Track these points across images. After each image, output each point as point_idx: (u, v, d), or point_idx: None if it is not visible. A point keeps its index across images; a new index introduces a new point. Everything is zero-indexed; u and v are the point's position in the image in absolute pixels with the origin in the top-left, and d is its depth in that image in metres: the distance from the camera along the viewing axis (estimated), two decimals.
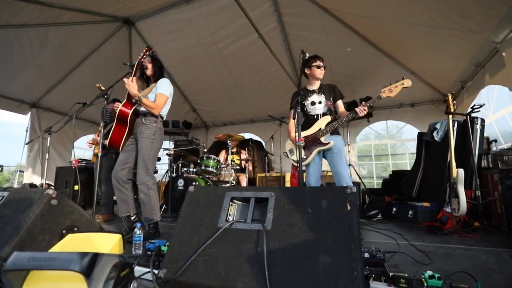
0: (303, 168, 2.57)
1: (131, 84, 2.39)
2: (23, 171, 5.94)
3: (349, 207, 1.18)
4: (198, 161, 4.39)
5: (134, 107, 2.50)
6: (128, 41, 5.21)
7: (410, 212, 3.41)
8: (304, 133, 2.55)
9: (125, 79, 2.39)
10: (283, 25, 4.59)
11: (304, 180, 2.61)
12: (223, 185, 4.42)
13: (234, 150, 5.01)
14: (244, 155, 5.12)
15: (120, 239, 1.18)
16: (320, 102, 2.60)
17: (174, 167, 4.44)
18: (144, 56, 2.57)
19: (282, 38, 4.80)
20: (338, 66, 4.79)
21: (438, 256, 1.93)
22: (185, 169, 4.48)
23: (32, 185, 5.09)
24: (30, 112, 5.62)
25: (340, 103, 2.64)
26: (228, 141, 4.27)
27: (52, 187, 5.02)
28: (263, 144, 6.38)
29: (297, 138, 2.00)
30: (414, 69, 4.65)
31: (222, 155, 5.11)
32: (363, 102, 2.36)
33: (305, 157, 2.53)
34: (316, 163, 2.54)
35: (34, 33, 4.24)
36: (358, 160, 6.08)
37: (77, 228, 1.70)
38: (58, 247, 1.11)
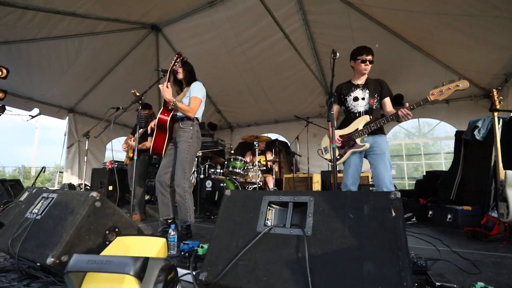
0: (340, 168, 2.49)
1: (166, 90, 2.47)
2: (62, 172, 6.32)
3: (394, 213, 1.14)
4: (225, 162, 4.44)
5: (171, 113, 2.59)
6: (156, 47, 5.40)
7: (449, 216, 3.23)
8: (341, 132, 2.46)
9: (160, 86, 2.47)
10: (308, 24, 4.53)
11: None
12: (251, 187, 4.44)
13: (260, 151, 5.01)
14: (270, 156, 5.12)
15: (165, 243, 1.22)
16: (363, 99, 2.46)
17: (202, 168, 4.52)
18: (176, 63, 2.63)
19: (307, 37, 4.74)
20: (377, 68, 4.63)
21: (486, 265, 1.80)
22: (212, 170, 4.56)
23: (70, 185, 5.42)
24: (67, 117, 5.99)
25: (387, 101, 2.45)
26: (254, 142, 4.28)
27: (89, 187, 5.32)
28: (289, 144, 6.34)
29: (331, 139, 1.94)
30: (449, 62, 4.39)
31: (248, 156, 5.14)
32: (407, 104, 2.18)
33: (338, 156, 2.44)
34: (355, 163, 2.42)
35: (70, 43, 4.52)
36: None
37: (118, 229, 1.78)
38: (110, 250, 1.17)
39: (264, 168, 4.86)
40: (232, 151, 5.20)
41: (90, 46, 4.70)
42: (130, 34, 4.85)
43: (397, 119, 2.25)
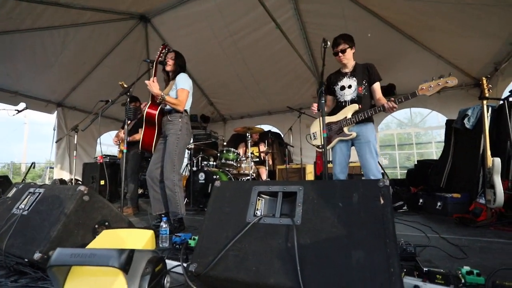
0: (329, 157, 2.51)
1: (153, 85, 2.42)
2: (53, 167, 6.24)
3: (382, 201, 1.14)
4: (218, 154, 4.43)
5: (159, 107, 2.55)
6: (145, 38, 5.28)
7: (439, 204, 3.28)
8: (329, 119, 2.47)
9: (146, 81, 2.42)
10: (300, 13, 4.47)
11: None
12: (244, 178, 4.44)
13: (253, 142, 5.00)
14: (263, 147, 5.11)
15: (153, 235, 1.21)
16: (350, 87, 2.45)
17: (194, 161, 4.50)
18: (161, 54, 2.58)
19: (299, 27, 4.68)
20: (359, 53, 4.59)
21: (473, 251, 1.84)
22: (205, 162, 4.55)
23: (61, 181, 5.35)
24: (56, 111, 5.87)
25: (376, 87, 2.43)
26: (247, 134, 4.26)
27: (80, 182, 5.26)
28: (282, 135, 6.33)
29: (321, 129, 1.94)
30: (441, 51, 4.40)
31: (241, 148, 5.13)
32: (392, 99, 2.20)
33: (322, 143, 2.46)
34: (343, 151, 2.45)
35: (56, 34, 4.39)
36: (379, 150, 5.91)
37: (108, 223, 1.76)
38: (95, 243, 1.15)
39: (257, 159, 4.86)
40: (225, 143, 5.19)
41: (76, 38, 4.57)
42: (118, 25, 4.73)
43: (384, 110, 2.27)
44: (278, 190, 1.37)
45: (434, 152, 6.48)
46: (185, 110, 2.67)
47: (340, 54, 2.45)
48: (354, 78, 2.46)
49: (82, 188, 1.64)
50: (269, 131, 6.48)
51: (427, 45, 4.35)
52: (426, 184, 4.14)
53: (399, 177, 6.13)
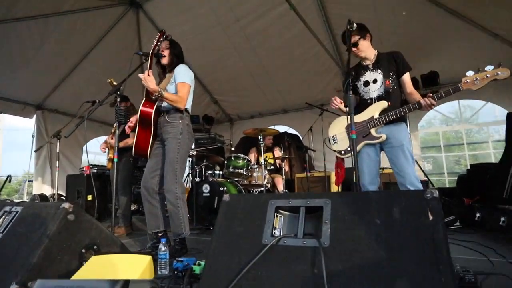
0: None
1: (148, 79, 2.44)
2: (31, 181, 6.39)
3: (431, 217, 1.10)
4: (225, 161, 4.44)
5: (156, 105, 2.57)
6: (136, 27, 5.39)
7: (502, 219, 3.17)
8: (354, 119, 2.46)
9: (140, 75, 2.44)
10: None
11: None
12: (256, 190, 4.42)
13: (267, 147, 4.99)
14: (278, 152, 5.10)
15: (150, 261, 1.21)
16: (375, 81, 2.44)
17: (197, 170, 4.52)
18: (159, 43, 2.60)
19: (317, 7, 4.67)
20: (390, 35, 4.55)
21: None
22: (210, 172, 4.56)
23: (42, 196, 5.48)
24: (35, 115, 6.02)
25: (406, 79, 2.42)
26: (259, 137, 4.26)
27: (63, 198, 5.37)
28: (300, 138, 6.30)
29: (350, 129, 1.91)
30: (498, 29, 4.24)
31: (252, 154, 5.14)
32: (430, 94, 2.17)
33: (349, 148, 2.44)
34: (371, 157, 2.43)
35: (33, 25, 4.51)
36: (421, 153, 5.78)
37: (97, 247, 1.77)
38: (83, 272, 1.16)
39: (272, 167, 4.84)
40: (233, 148, 5.21)
41: (58, 29, 4.69)
42: (105, 12, 4.84)
43: (420, 107, 2.24)
44: (300, 205, 1.36)
45: (492, 153, 6.28)
46: (186, 109, 2.69)
47: (353, 48, 2.45)
48: (379, 70, 2.45)
49: (66, 205, 1.66)
50: (285, 132, 6.48)
51: (478, 21, 4.22)
52: (483, 194, 4.00)
53: (447, 186, 5.98)
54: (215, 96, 7.07)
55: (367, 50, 2.50)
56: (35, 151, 5.80)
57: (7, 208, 1.92)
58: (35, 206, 1.83)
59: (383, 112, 2.36)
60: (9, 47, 4.69)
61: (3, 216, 1.89)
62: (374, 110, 2.40)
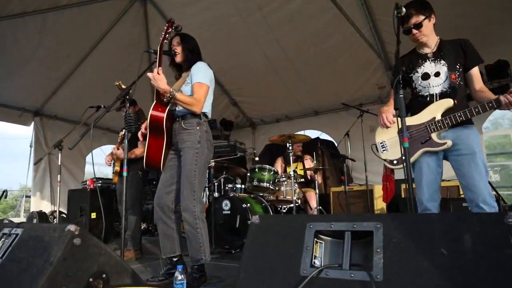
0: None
1: (158, 78, 2.46)
2: (29, 196, 6.63)
3: None
4: (248, 173, 4.44)
5: (167, 109, 2.59)
6: (144, 21, 5.54)
7: None
8: (407, 121, 2.36)
9: (149, 74, 2.48)
10: None
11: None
12: (285, 206, 4.39)
13: (296, 156, 4.95)
14: (310, 162, 5.06)
15: None
16: (437, 74, 2.35)
17: (215, 183, 4.54)
18: (167, 35, 2.64)
19: None
20: (448, 17, 4.40)
21: None
22: (230, 185, 4.57)
23: (41, 214, 5.66)
24: (33, 122, 6.27)
25: (476, 73, 2.33)
26: (287, 144, 4.24)
27: (65, 215, 5.53)
28: (335, 144, 6.22)
29: (401, 135, 1.86)
30: None
31: (278, 164, 5.13)
32: None
33: (403, 157, 2.36)
34: (432, 168, 2.34)
35: (31, 22, 4.70)
36: (486, 160, 5.55)
37: (106, 275, 1.80)
38: None
39: (303, 179, 4.82)
40: (257, 158, 5.19)
41: (57, 26, 4.87)
42: (109, 5, 4.99)
43: (498, 106, 2.13)
44: (345, 229, 1.34)
45: None
46: (204, 114, 2.71)
47: (415, 31, 2.35)
48: (443, 61, 2.35)
49: (72, 228, 1.69)
50: (317, 138, 6.41)
51: None
52: None
53: None
54: (234, 97, 7.14)
55: (430, 34, 2.39)
56: (34, 164, 5.99)
57: (6, 230, 1.99)
58: (37, 228, 1.88)
59: (447, 112, 2.27)
60: (4, 47, 4.90)
61: (2, 239, 1.96)
62: (435, 110, 2.32)
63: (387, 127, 2.47)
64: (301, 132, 6.54)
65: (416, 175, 2.38)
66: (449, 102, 2.27)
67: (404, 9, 2.14)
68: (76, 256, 1.70)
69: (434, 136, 2.31)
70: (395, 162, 2.48)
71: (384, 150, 2.56)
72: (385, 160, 2.56)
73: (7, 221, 2.32)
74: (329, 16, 4.87)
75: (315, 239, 1.36)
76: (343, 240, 1.32)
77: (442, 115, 2.28)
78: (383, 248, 1.21)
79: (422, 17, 2.32)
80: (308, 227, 1.38)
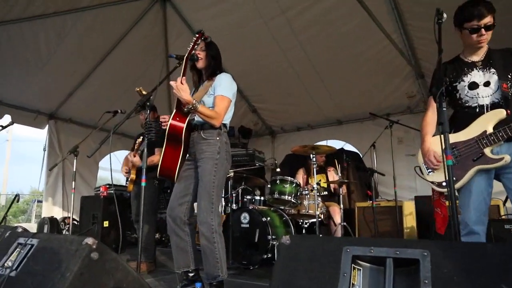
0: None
1: (181, 88, 2.47)
2: (41, 201, 6.73)
3: None
4: (268, 185, 4.41)
5: (187, 119, 2.60)
6: (163, 22, 5.60)
7: None
8: (454, 137, 2.29)
9: (172, 82, 2.49)
10: None
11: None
12: (307, 221, 4.33)
13: (319, 167, 4.89)
14: (334, 174, 5.01)
15: None
16: (487, 84, 2.27)
17: (233, 195, 4.52)
18: (196, 46, 2.65)
19: None
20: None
21: None
22: (249, 197, 4.54)
23: (52, 220, 5.73)
24: (47, 125, 6.40)
25: None
26: (311, 155, 4.19)
27: (76, 222, 5.57)
28: (361, 156, 6.14)
29: (444, 153, 1.78)
30: None
31: (300, 175, 5.10)
32: None
33: (454, 178, 2.26)
34: (481, 189, 2.23)
35: (50, 25, 4.82)
36: None
37: None
38: None
39: (326, 192, 4.76)
40: (278, 169, 5.15)
41: (75, 27, 4.97)
42: (128, 7, 5.06)
43: None
44: (386, 255, 1.28)
45: None
46: (224, 125, 2.72)
47: (484, 32, 2.25)
48: (492, 70, 2.27)
49: (89, 241, 1.68)
50: (342, 149, 6.35)
51: None
52: None
53: None
54: (254, 103, 7.13)
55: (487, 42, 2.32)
56: (49, 170, 6.04)
57: (21, 240, 1.98)
58: (53, 240, 1.88)
59: (499, 124, 2.18)
60: (25, 49, 5.02)
61: (17, 249, 1.95)
62: (486, 123, 2.23)
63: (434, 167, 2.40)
64: (323, 142, 6.47)
65: (465, 197, 2.28)
66: (501, 113, 2.18)
67: (445, 15, 2.08)
68: (93, 271, 1.68)
69: (487, 151, 2.20)
70: (444, 184, 2.37)
71: (430, 172, 2.48)
72: (432, 182, 2.47)
73: (21, 229, 2.32)
74: (356, 20, 4.81)
75: (353, 264, 1.31)
76: (384, 267, 1.27)
77: (494, 128, 2.19)
78: (431, 279, 1.16)
79: (493, 20, 2.25)
80: (345, 251, 1.33)
